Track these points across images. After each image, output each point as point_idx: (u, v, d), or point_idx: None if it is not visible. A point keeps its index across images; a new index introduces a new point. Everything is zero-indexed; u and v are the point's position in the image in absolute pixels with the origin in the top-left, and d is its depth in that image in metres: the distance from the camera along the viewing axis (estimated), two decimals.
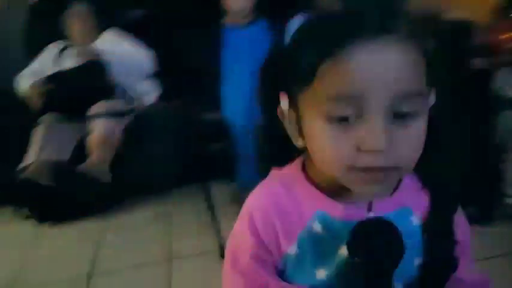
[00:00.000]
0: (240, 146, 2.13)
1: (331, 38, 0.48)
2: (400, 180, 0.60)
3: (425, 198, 0.61)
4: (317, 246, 0.58)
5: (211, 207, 2.11)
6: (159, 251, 1.83)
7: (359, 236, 0.52)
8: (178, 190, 2.26)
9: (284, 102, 0.58)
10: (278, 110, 0.59)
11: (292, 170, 0.63)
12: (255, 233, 0.59)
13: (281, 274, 0.61)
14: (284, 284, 0.60)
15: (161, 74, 2.60)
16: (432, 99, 0.54)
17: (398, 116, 0.49)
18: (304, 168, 0.62)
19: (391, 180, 0.54)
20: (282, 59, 0.58)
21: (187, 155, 2.19)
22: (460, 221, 0.62)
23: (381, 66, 0.47)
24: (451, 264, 0.60)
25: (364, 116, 0.48)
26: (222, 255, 0.71)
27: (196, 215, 2.11)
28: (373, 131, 0.47)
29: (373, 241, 0.52)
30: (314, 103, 0.51)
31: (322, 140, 0.51)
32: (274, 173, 0.64)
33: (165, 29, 2.60)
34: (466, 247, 0.64)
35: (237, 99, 2.06)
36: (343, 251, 0.55)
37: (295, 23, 1.94)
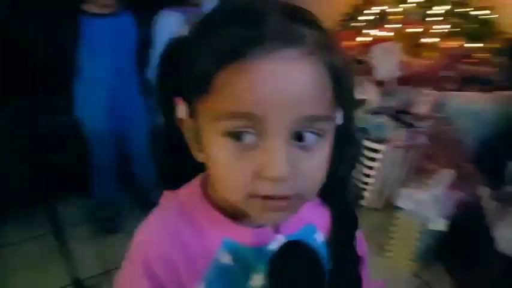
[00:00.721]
0: (98, 154, 1.84)
1: (228, 43, 0.42)
2: None
3: (327, 213, 0.58)
4: (226, 279, 0.51)
5: (59, 232, 1.78)
6: None
7: (279, 266, 0.45)
8: (14, 214, 1.83)
9: (182, 109, 0.50)
10: (176, 117, 0.51)
11: (189, 190, 0.55)
12: (152, 276, 0.50)
13: None
14: None
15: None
16: (339, 119, 0.49)
17: (303, 141, 0.44)
18: (205, 187, 0.54)
19: (295, 208, 0.48)
20: (179, 59, 0.49)
21: (24, 170, 1.77)
22: (359, 236, 0.60)
23: (283, 84, 0.41)
24: (355, 282, 0.57)
25: (264, 138, 0.43)
26: None
27: (40, 243, 1.76)
28: (274, 158, 0.42)
29: (295, 270, 0.45)
30: (211, 116, 0.44)
31: (220, 160, 0.45)
32: (167, 196, 0.56)
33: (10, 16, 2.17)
34: (364, 262, 0.61)
35: (95, 99, 1.75)
36: (255, 281, 0.51)
37: (162, 16, 1.74)
